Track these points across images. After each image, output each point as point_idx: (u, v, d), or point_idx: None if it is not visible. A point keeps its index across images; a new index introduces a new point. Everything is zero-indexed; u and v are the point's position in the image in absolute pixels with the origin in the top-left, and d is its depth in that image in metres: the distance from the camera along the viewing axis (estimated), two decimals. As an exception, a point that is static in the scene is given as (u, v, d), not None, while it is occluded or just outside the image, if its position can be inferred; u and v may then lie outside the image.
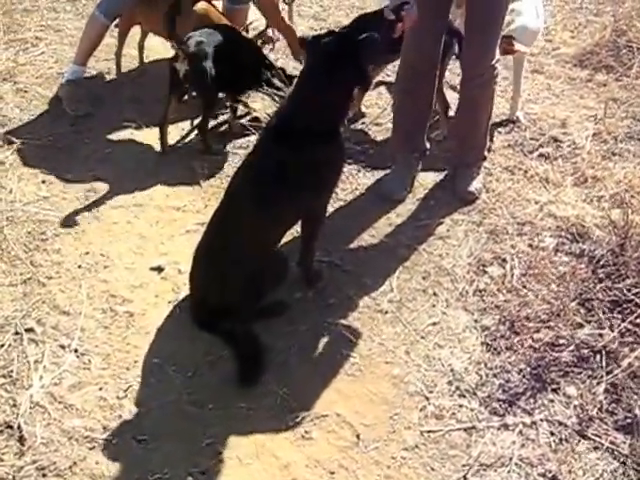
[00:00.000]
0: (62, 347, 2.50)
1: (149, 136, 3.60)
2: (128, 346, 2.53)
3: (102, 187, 3.22)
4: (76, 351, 2.49)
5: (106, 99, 3.85)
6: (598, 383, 2.42)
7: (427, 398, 2.40)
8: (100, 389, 2.38)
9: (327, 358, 2.53)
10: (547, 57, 4.30)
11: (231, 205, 2.55)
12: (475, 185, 3.17)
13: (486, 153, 3.30)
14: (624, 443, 2.27)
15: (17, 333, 2.53)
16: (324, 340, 2.59)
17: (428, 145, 3.37)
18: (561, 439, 2.29)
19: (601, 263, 2.79)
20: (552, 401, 2.39)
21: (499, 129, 3.64)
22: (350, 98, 2.59)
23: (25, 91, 3.84)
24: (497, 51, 3.02)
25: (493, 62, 3.02)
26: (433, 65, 3.11)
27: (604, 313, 2.62)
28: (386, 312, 2.70)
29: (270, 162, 2.47)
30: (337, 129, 2.57)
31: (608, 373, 2.44)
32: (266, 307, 2.65)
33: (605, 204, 3.10)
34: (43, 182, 3.23)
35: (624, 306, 2.62)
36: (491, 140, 3.49)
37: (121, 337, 2.56)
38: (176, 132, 3.64)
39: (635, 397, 2.37)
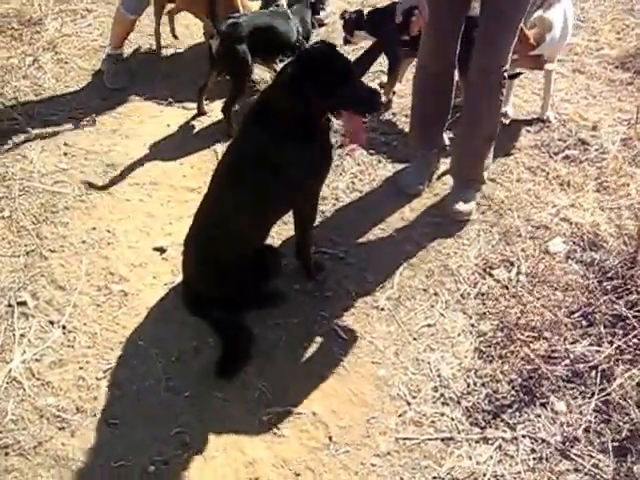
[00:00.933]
0: (51, 322, 2.37)
1: (177, 115, 3.43)
2: (117, 326, 2.38)
3: (122, 163, 3.07)
4: (64, 327, 2.36)
5: (141, 75, 3.68)
6: (589, 401, 2.14)
7: (409, 403, 2.17)
8: (81, 368, 2.24)
9: (314, 354, 2.32)
10: (590, 57, 3.88)
11: (216, 191, 2.35)
12: (466, 206, 2.81)
13: (485, 175, 2.89)
14: (608, 467, 2.00)
15: (10, 305, 2.41)
16: (314, 335, 2.37)
17: (447, 141, 3.08)
18: (541, 457, 2.03)
19: (609, 275, 2.47)
20: (539, 416, 2.13)
21: (528, 128, 3.29)
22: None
23: (65, 62, 3.70)
24: (508, 57, 2.68)
25: (503, 65, 2.66)
26: (449, 64, 2.82)
27: (605, 327, 2.32)
28: (382, 309, 2.47)
29: (250, 150, 2.25)
30: (316, 123, 2.27)
31: (601, 391, 2.16)
32: (262, 297, 2.46)
33: (624, 213, 2.76)
34: (65, 154, 3.10)
35: (627, 322, 2.31)
36: (516, 139, 3.19)
37: (111, 316, 2.41)
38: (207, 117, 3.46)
39: (626, 419, 2.08)
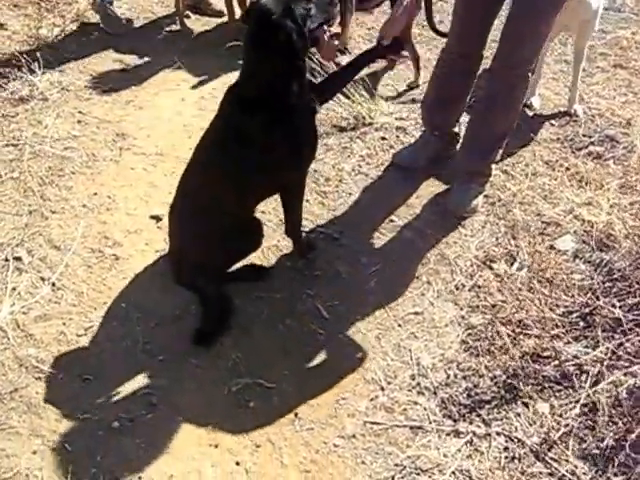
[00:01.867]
0: (42, 279, 2.51)
1: (193, 91, 3.56)
2: (103, 287, 2.51)
3: (132, 133, 3.22)
4: (53, 284, 2.49)
5: (162, 49, 3.86)
6: (574, 405, 2.13)
7: (383, 388, 2.21)
8: (63, 324, 2.37)
9: (293, 330, 2.38)
10: (636, 52, 3.83)
11: (201, 161, 2.42)
12: (470, 202, 2.80)
13: (493, 170, 2.89)
14: (585, 475, 1.98)
15: (6, 260, 2.57)
16: (296, 312, 2.44)
17: (458, 131, 3.08)
18: (513, 457, 2.03)
19: (615, 276, 2.45)
20: (518, 415, 2.13)
21: (552, 121, 3.28)
22: (295, 67, 2.27)
23: (90, 34, 3.91)
24: (536, 53, 2.67)
25: (528, 60, 2.65)
26: (477, 50, 2.83)
27: (604, 331, 2.30)
28: (371, 293, 2.52)
29: (232, 126, 2.32)
30: (293, 98, 2.29)
31: (589, 396, 2.14)
32: (244, 270, 2.55)
33: (643, 214, 2.73)
34: (79, 122, 3.27)
35: (627, 326, 2.28)
36: (538, 131, 3.18)
37: (100, 278, 2.54)
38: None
39: (612, 427, 2.06)
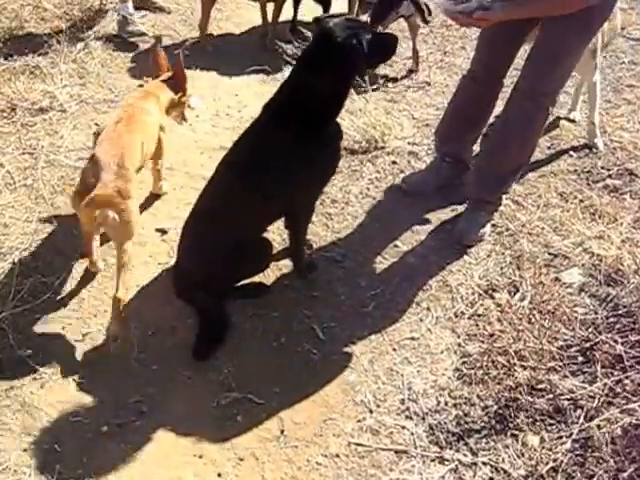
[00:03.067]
0: (44, 284, 2.70)
1: (208, 108, 3.79)
2: (105, 296, 2.68)
3: (145, 147, 3.44)
4: (56, 290, 2.68)
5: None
6: (565, 440, 2.22)
7: (371, 411, 2.34)
8: (63, 328, 2.55)
9: (287, 349, 2.52)
10: (665, 84, 3.95)
11: (220, 179, 2.62)
12: (478, 231, 2.93)
13: (504, 199, 3.04)
14: (569, 512, 2.07)
15: (13, 263, 2.77)
16: (292, 330, 2.58)
17: (470, 159, 3.21)
18: (497, 488, 2.13)
19: (620, 312, 2.55)
20: (507, 447, 2.23)
21: (571, 152, 3.41)
22: (346, 90, 2.51)
23: (113, 50, 4.17)
24: (558, 87, 2.78)
25: (550, 93, 2.76)
26: (498, 78, 2.99)
27: (603, 367, 2.39)
28: (368, 316, 2.65)
29: (260, 142, 2.52)
30: (329, 123, 2.52)
31: (581, 432, 2.23)
32: (244, 287, 2.71)
33: (656, 250, 2.82)
34: (94, 133, 3.49)
35: (628, 363, 2.37)
36: (554, 162, 3.30)
37: (102, 286, 2.73)
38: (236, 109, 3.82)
39: (603, 465, 2.14)
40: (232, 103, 3.83)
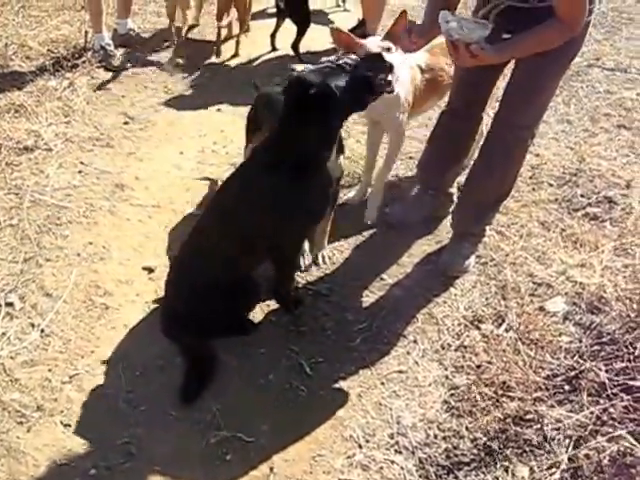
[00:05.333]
0: (32, 325, 2.67)
1: (193, 144, 3.81)
2: (91, 336, 2.66)
3: (130, 184, 3.44)
4: (42, 331, 2.65)
5: (164, 103, 4.14)
6: (555, 470, 2.21)
7: (360, 446, 2.32)
8: (49, 370, 2.52)
9: (275, 386, 2.50)
10: (640, 113, 4.02)
11: (208, 218, 2.63)
12: (462, 262, 2.95)
13: (487, 230, 3.05)
14: (560, 542, 2.06)
15: (-1, 304, 2.76)
16: (279, 367, 2.56)
17: (454, 191, 3.26)
18: (488, 520, 2.12)
19: (604, 340, 2.55)
20: (497, 478, 2.21)
21: (551, 181, 3.44)
22: (330, 135, 2.50)
23: (98, 87, 4.20)
24: (539, 117, 2.79)
25: (529, 126, 2.77)
26: (477, 111, 3.01)
27: (589, 395, 2.39)
28: (355, 350, 2.64)
29: (248, 184, 2.52)
30: (317, 168, 2.51)
31: (571, 461, 2.22)
32: (235, 325, 2.70)
33: (638, 276, 2.83)
34: (79, 172, 3.50)
35: (613, 391, 2.37)
36: (535, 192, 3.33)
37: (89, 327, 2.70)
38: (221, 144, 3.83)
39: (593, 496, 2.14)
40: (218, 139, 3.85)
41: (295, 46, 4.81)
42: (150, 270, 2.95)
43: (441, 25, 2.44)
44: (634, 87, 4.28)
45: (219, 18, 4.79)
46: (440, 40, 3.33)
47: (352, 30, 4.94)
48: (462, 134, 3.08)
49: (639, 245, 3.01)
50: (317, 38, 5.06)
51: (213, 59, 4.74)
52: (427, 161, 3.20)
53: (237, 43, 4.90)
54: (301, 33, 4.78)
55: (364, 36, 4.66)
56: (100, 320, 2.73)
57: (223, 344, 2.62)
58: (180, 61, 4.62)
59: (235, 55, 4.89)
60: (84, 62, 4.37)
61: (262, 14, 5.40)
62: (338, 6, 5.76)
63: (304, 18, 4.78)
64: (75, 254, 3.02)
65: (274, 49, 4.94)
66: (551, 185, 3.42)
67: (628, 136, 3.83)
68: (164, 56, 4.70)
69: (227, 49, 4.87)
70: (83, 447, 2.28)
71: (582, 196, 3.33)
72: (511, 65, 2.78)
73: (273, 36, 4.94)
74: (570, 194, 3.35)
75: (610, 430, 2.28)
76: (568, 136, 3.80)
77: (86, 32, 4.56)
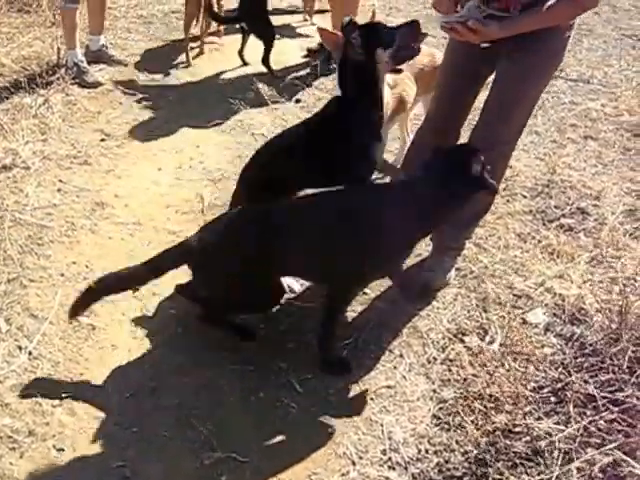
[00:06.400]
0: (19, 348, 2.60)
1: (170, 160, 3.76)
2: (80, 357, 2.60)
3: (110, 202, 3.38)
4: (30, 354, 2.58)
5: (140, 119, 4.08)
6: (546, 483, 2.23)
7: (354, 463, 2.30)
8: (39, 393, 2.46)
9: (266, 403, 2.47)
10: (606, 123, 4.08)
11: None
12: (443, 275, 2.95)
13: (466, 243, 3.07)
14: None
15: (-18, 327, 2.68)
16: (269, 384, 2.54)
17: None
18: (483, 533, 2.13)
19: (587, 351, 2.58)
20: (489, 491, 2.23)
21: (524, 193, 3.48)
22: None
23: (73, 104, 4.12)
24: (518, 132, 2.82)
25: (507, 141, 2.80)
26: (455, 127, 2.97)
27: (575, 407, 2.40)
28: (343, 366, 2.64)
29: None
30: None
31: (562, 474, 2.23)
32: (235, 323, 2.71)
33: (614, 287, 2.88)
34: (59, 190, 3.42)
35: (599, 402, 2.39)
36: (510, 204, 3.36)
37: (76, 348, 2.64)
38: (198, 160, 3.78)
39: (585, 508, 2.16)
40: (194, 155, 3.81)
41: (265, 61, 4.70)
42: (134, 289, 2.90)
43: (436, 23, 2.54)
44: (597, 98, 4.36)
45: (188, 25, 4.79)
46: None
47: (322, 44, 4.96)
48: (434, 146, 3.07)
49: (614, 256, 3.06)
50: (288, 52, 5.06)
51: (187, 75, 4.69)
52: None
53: (202, 42, 4.93)
54: (268, 47, 4.67)
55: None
56: (87, 341, 2.68)
57: (211, 362, 2.59)
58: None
59: (200, 53, 4.94)
60: (58, 79, 4.27)
61: (235, 29, 5.34)
62: (305, 20, 5.72)
63: (266, 32, 4.67)
64: (59, 274, 2.95)
65: (244, 64, 4.86)
66: (525, 197, 3.46)
67: (595, 147, 3.89)
68: (129, 71, 4.65)
69: (199, 65, 4.84)
70: (77, 472, 2.23)
71: (556, 207, 3.37)
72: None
73: (240, 52, 4.85)
74: (544, 205, 3.39)
75: (599, 442, 2.30)
76: (537, 147, 3.85)
77: (58, 48, 4.47)
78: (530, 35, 2.52)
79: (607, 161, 3.76)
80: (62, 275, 2.95)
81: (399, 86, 3.22)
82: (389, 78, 3.14)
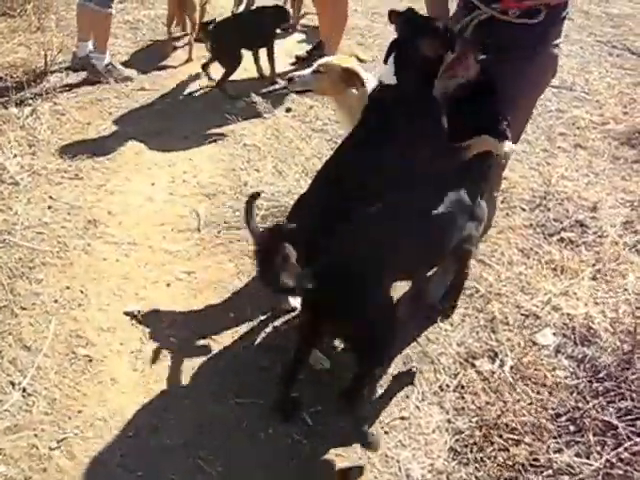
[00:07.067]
0: (12, 383, 2.29)
1: (164, 174, 3.42)
2: (77, 393, 2.29)
3: (103, 220, 3.04)
4: (24, 390, 2.27)
5: (131, 131, 3.72)
6: (570, 520, 2.00)
7: (372, 504, 2.06)
8: (35, 436, 2.15)
9: (275, 440, 2.20)
10: (594, 132, 3.85)
11: None
12: (438, 292, 2.70)
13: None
14: None
15: (-26, 363, 2.36)
16: (278, 418, 2.26)
17: None
18: None
19: (601, 375, 2.35)
20: (515, 530, 2.00)
21: (522, 205, 3.23)
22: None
23: (62, 114, 3.74)
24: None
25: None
26: None
27: (595, 435, 2.18)
28: (354, 396, 2.37)
29: None
30: None
31: (589, 508, 2.02)
32: None
33: (622, 306, 2.65)
34: (49, 207, 3.07)
35: (619, 430, 2.17)
36: (510, 217, 3.12)
37: (73, 382, 2.33)
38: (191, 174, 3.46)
39: None
40: (187, 168, 3.47)
41: (219, 85, 4.12)
42: (132, 316, 2.58)
43: None
44: (582, 105, 4.12)
45: (169, 24, 4.48)
46: None
47: (310, 52, 4.64)
48: None
49: (616, 270, 2.84)
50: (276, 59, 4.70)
51: (173, 84, 4.29)
52: None
53: (190, 46, 4.52)
54: (227, 74, 4.11)
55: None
56: (85, 374, 2.37)
57: (218, 396, 2.31)
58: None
59: (189, 60, 4.52)
60: (46, 88, 3.88)
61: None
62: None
63: (232, 63, 4.09)
64: (52, 300, 2.62)
65: (209, 79, 4.26)
66: (524, 209, 3.20)
67: (585, 155, 3.65)
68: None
69: (187, 73, 4.44)
70: (79, 523, 1.95)
71: (555, 220, 3.13)
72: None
73: (205, 67, 4.25)
74: (543, 219, 3.14)
75: (621, 473, 2.08)
76: (529, 156, 3.60)
77: (46, 55, 4.06)
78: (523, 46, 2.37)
79: (598, 170, 3.53)
80: (56, 301, 2.62)
81: None
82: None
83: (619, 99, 4.18)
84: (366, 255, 2.00)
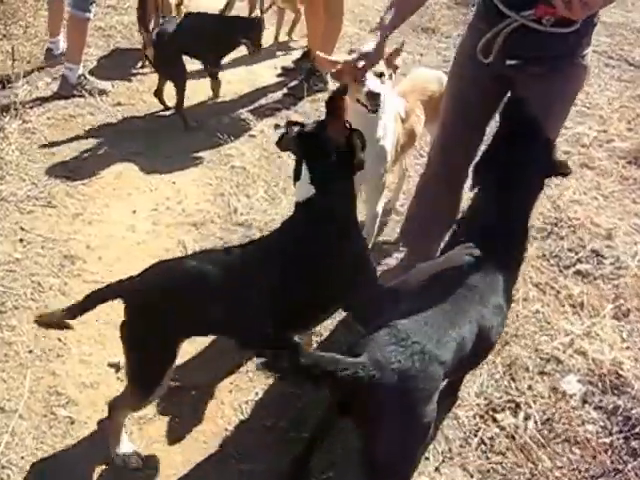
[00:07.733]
0: (-19, 457, 2.03)
1: (145, 200, 3.16)
2: (57, 462, 2.04)
3: (81, 254, 2.77)
4: (-3, 462, 2.02)
5: (109, 152, 3.45)
6: None
7: None
8: (10, 521, 1.90)
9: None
10: (599, 150, 3.68)
11: None
12: None
13: None
14: None
15: (-63, 428, 2.08)
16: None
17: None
18: None
19: (637, 430, 2.18)
20: None
21: (534, 233, 3.03)
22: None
23: (32, 132, 3.44)
24: None
25: None
26: (459, 178, 2.55)
27: (639, 503, 2.01)
28: (368, 457, 2.15)
29: None
30: None
31: None
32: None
33: (652, 349, 2.49)
34: (21, 241, 2.79)
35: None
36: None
37: (53, 449, 2.08)
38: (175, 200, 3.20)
39: None
40: (170, 193, 3.20)
41: (178, 107, 3.70)
42: (117, 367, 2.33)
43: None
44: (584, 121, 3.96)
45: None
46: (411, 83, 2.91)
47: (297, 61, 4.41)
48: (448, 197, 2.61)
49: (638, 308, 2.67)
50: (261, 72, 4.44)
51: (151, 97, 3.92)
52: (411, 225, 2.74)
53: None
54: (180, 91, 3.66)
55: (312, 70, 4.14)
56: (66, 439, 2.11)
57: (216, 463, 2.07)
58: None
59: None
60: (14, 102, 3.54)
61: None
62: (276, 38, 5.01)
63: (176, 74, 3.68)
64: (27, 351, 2.36)
65: (166, 108, 3.84)
66: (535, 238, 3.01)
67: (592, 176, 3.49)
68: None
69: (168, 90, 4.05)
70: None
71: (569, 250, 2.95)
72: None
73: (159, 94, 3.80)
74: (557, 249, 2.96)
75: None
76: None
77: (12, 65, 3.75)
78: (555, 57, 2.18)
79: (607, 192, 3.36)
80: (31, 352, 2.36)
81: (410, 119, 2.72)
82: (402, 110, 2.67)
83: (621, 114, 4.03)
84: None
